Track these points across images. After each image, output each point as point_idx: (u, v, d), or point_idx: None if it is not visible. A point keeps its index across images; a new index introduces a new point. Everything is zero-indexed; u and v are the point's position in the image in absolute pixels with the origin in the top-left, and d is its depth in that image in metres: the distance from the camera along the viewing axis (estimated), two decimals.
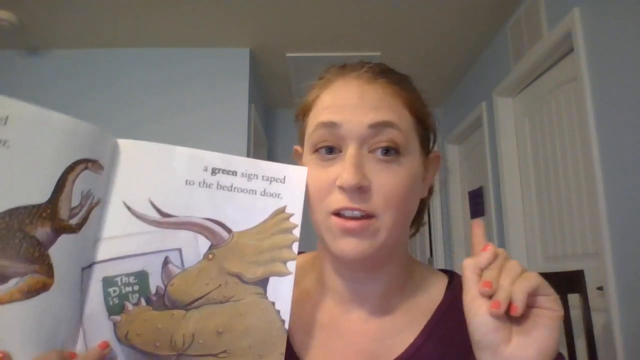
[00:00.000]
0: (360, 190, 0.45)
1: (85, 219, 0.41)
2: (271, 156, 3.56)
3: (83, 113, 2.52)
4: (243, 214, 0.46)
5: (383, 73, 0.51)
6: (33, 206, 0.39)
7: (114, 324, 0.42)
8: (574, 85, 1.85)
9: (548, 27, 1.97)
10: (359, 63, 0.52)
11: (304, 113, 0.54)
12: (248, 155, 2.60)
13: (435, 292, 0.54)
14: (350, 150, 0.47)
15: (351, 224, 0.46)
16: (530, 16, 2.11)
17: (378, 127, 0.47)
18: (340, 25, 2.46)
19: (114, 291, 0.42)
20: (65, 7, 2.25)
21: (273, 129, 3.67)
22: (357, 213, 0.46)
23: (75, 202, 0.40)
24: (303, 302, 0.55)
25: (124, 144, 0.45)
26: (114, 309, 0.42)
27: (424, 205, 0.58)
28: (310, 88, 0.55)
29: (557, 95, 2.04)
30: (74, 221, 0.40)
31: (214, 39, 2.62)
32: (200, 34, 2.56)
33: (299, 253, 0.62)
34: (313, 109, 0.52)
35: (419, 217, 0.58)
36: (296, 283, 0.56)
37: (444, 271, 0.58)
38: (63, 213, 0.40)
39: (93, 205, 0.42)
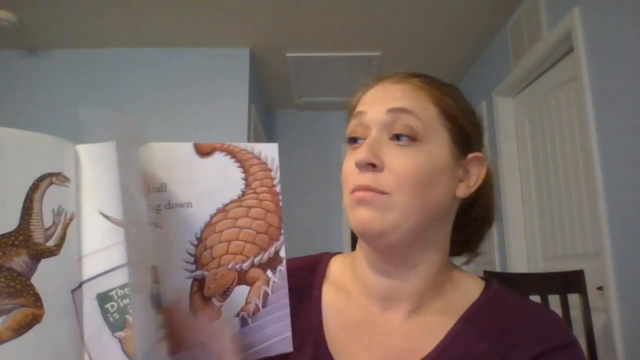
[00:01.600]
0: (372, 168, 0.49)
1: (62, 238, 0.38)
2: None
3: None
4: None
5: (415, 76, 0.55)
6: (2, 235, 0.35)
7: (120, 341, 0.39)
8: (574, 85, 1.85)
9: (548, 27, 1.97)
10: (404, 73, 0.57)
11: (349, 112, 0.58)
12: None
13: (471, 293, 0.55)
14: (370, 134, 0.51)
15: (362, 193, 0.49)
16: (530, 16, 2.11)
17: (395, 112, 0.51)
18: (340, 25, 2.46)
19: (112, 306, 0.39)
20: (65, 7, 2.25)
21: (273, 129, 3.67)
22: (368, 189, 0.49)
23: (48, 222, 0.37)
24: (339, 300, 0.57)
25: (82, 149, 0.40)
26: (116, 325, 0.39)
27: (481, 230, 0.60)
28: (359, 91, 0.59)
29: (557, 95, 2.04)
30: (51, 243, 0.37)
31: (214, 39, 2.62)
32: (200, 34, 2.56)
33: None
34: (356, 109, 0.57)
35: (474, 245, 0.61)
36: (334, 281, 0.60)
37: (482, 278, 0.59)
38: (37, 236, 0.36)
39: (68, 221, 0.38)
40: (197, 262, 0.42)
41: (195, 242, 0.43)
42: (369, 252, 0.55)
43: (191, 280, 0.42)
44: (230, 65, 2.69)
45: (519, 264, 2.27)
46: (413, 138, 0.50)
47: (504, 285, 0.56)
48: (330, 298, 0.58)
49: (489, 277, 0.61)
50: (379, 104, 0.53)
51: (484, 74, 2.70)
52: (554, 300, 1.36)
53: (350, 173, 0.51)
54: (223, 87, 2.67)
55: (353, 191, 0.50)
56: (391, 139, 0.51)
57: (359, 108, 0.55)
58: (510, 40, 2.34)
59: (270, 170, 0.47)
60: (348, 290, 0.58)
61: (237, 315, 0.43)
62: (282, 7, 2.29)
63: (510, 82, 2.32)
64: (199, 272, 0.42)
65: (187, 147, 0.44)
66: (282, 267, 0.46)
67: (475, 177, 0.55)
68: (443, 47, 2.66)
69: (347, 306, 0.56)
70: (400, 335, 0.52)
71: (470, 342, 0.50)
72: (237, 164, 0.46)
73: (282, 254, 0.46)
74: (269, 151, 0.47)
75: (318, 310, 0.56)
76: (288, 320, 0.46)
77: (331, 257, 0.64)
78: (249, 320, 0.44)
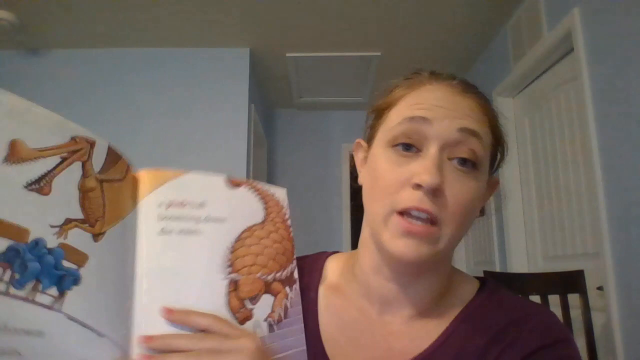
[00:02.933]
0: (435, 193, 0.45)
1: None
2: (271, 156, 3.56)
3: (83, 113, 2.52)
4: None
5: (472, 88, 0.52)
6: None
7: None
8: (574, 85, 1.85)
9: (548, 27, 1.97)
10: (449, 74, 0.53)
11: (385, 108, 0.53)
12: (248, 155, 2.61)
13: (466, 294, 0.54)
14: (432, 151, 0.46)
15: (417, 227, 0.45)
16: (530, 16, 2.11)
17: (466, 133, 0.47)
18: (340, 25, 2.46)
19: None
20: (65, 7, 2.25)
21: (273, 129, 3.67)
22: (423, 215, 0.45)
23: None
24: (335, 301, 0.56)
25: None
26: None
27: None
28: (393, 86, 0.54)
29: (557, 95, 2.04)
30: None
31: (214, 39, 2.62)
32: (200, 34, 2.56)
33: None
34: (398, 105, 0.51)
35: None
36: (331, 283, 0.59)
37: (478, 278, 0.59)
38: None
39: None
40: (232, 266, 0.48)
41: (230, 250, 0.49)
42: (378, 260, 0.52)
43: (227, 281, 0.47)
44: (230, 65, 2.69)
45: (519, 264, 2.27)
46: (475, 166, 0.47)
47: (500, 285, 0.56)
48: (327, 299, 0.57)
49: (486, 277, 0.60)
50: (447, 116, 0.47)
51: (484, 74, 2.70)
52: (554, 300, 1.36)
53: (398, 186, 0.47)
54: (223, 87, 2.67)
55: (400, 213, 0.46)
56: (450, 159, 0.47)
57: (415, 111, 0.48)
58: (510, 40, 2.34)
59: (282, 207, 0.55)
60: (345, 291, 0.57)
61: (266, 320, 0.48)
62: (282, 7, 2.29)
63: (511, 82, 2.32)
64: (234, 275, 0.48)
65: (222, 179, 0.52)
66: (297, 286, 0.52)
67: (487, 197, 0.54)
68: (443, 47, 2.66)
69: (344, 308, 0.55)
70: (397, 338, 0.52)
71: (465, 341, 0.49)
72: (259, 197, 0.54)
73: (295, 275, 0.53)
74: (280, 193, 0.56)
75: (314, 311, 0.56)
76: (303, 335, 0.51)
77: (328, 256, 0.63)
78: (275, 327, 0.48)
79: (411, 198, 0.45)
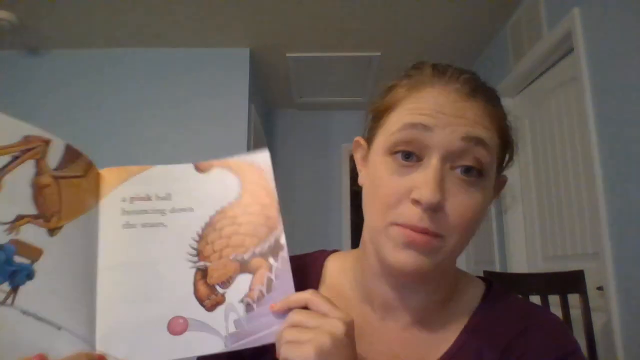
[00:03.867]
0: (435, 208, 0.43)
1: None
2: (271, 156, 3.56)
3: (83, 113, 2.52)
4: None
5: (479, 89, 0.48)
6: None
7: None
8: (574, 85, 1.85)
9: (548, 27, 1.97)
10: (454, 71, 0.49)
11: (384, 110, 0.50)
12: None
13: (472, 300, 0.53)
14: (434, 162, 0.44)
15: (417, 237, 0.43)
16: (530, 16, 2.11)
17: (471, 141, 0.44)
18: (340, 25, 2.46)
19: None
20: (65, 7, 2.25)
21: (273, 129, 3.67)
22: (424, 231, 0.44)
23: None
24: (337, 304, 0.55)
25: None
26: None
27: None
28: (393, 85, 0.51)
29: (557, 95, 2.04)
30: None
31: (214, 39, 2.62)
32: (200, 34, 2.56)
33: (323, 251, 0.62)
34: (399, 108, 0.48)
35: None
36: (331, 284, 0.56)
37: (483, 278, 0.57)
38: None
39: None
40: (200, 254, 0.48)
41: (197, 239, 0.48)
42: (377, 267, 0.51)
43: (194, 270, 0.47)
44: (230, 65, 2.69)
45: (519, 264, 2.27)
46: (480, 175, 0.45)
47: (504, 287, 0.56)
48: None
49: (490, 277, 0.59)
50: (450, 124, 0.44)
51: (484, 74, 2.64)
52: (554, 300, 1.36)
53: (398, 199, 0.45)
54: (223, 87, 2.67)
55: (399, 226, 0.44)
56: (453, 168, 0.44)
57: (419, 118, 0.45)
58: (510, 40, 2.34)
59: (263, 170, 0.53)
60: (346, 295, 0.55)
61: (242, 301, 0.47)
62: (282, 7, 2.29)
63: (511, 82, 2.32)
64: (201, 263, 0.48)
65: (188, 167, 0.52)
66: (284, 254, 0.49)
67: (494, 197, 0.51)
68: (443, 47, 2.66)
69: (346, 310, 0.54)
70: (401, 344, 0.51)
71: (478, 353, 0.48)
72: (233, 173, 0.52)
73: (282, 241, 0.50)
74: (260, 157, 0.53)
75: None
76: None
77: (327, 255, 0.60)
78: (254, 305, 0.47)
79: (410, 215, 0.44)
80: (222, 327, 0.45)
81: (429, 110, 0.45)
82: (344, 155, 3.60)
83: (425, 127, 0.44)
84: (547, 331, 0.49)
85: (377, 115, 0.51)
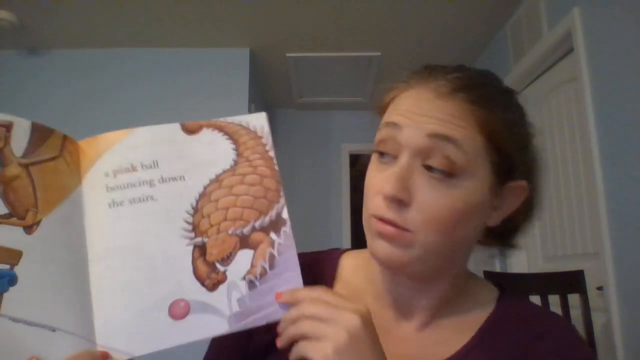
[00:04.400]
0: (398, 202, 0.44)
1: None
2: None
3: (83, 113, 2.52)
4: None
5: (464, 88, 0.47)
6: None
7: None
8: (574, 85, 1.85)
9: (548, 27, 1.97)
10: (443, 70, 0.49)
11: (381, 110, 0.53)
12: None
13: (486, 303, 0.54)
14: (401, 160, 0.46)
15: (384, 228, 0.45)
16: (530, 16, 2.11)
17: (436, 138, 0.44)
18: (340, 25, 2.46)
19: None
20: (65, 7, 2.25)
21: (273, 129, 3.63)
22: (390, 224, 0.45)
23: None
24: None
25: None
26: None
27: (514, 228, 0.55)
28: (392, 87, 0.52)
29: (557, 95, 2.04)
30: None
31: (214, 39, 2.62)
32: (200, 34, 2.56)
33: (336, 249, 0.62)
34: (389, 109, 0.51)
35: (508, 237, 0.56)
36: (346, 282, 0.56)
37: (496, 283, 0.58)
38: None
39: None
40: (196, 229, 0.44)
41: (192, 212, 0.44)
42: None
43: (192, 247, 0.43)
44: (230, 65, 2.69)
45: (518, 264, 2.27)
46: (450, 173, 0.44)
47: (518, 293, 0.56)
48: None
49: (500, 281, 0.59)
50: (417, 122, 0.45)
51: None
52: (554, 300, 1.36)
53: (374, 193, 0.47)
54: (223, 87, 2.67)
55: (375, 218, 0.46)
56: (425, 166, 0.45)
57: (392, 116, 0.48)
58: (510, 40, 2.33)
59: (261, 137, 0.48)
60: (361, 293, 0.55)
61: (244, 278, 0.44)
62: (282, 7, 2.29)
63: (510, 82, 2.32)
64: (198, 239, 0.44)
65: (174, 127, 0.46)
66: (287, 229, 0.46)
67: (510, 206, 0.50)
68: (443, 47, 2.66)
69: None
70: (413, 345, 0.51)
71: (490, 355, 0.48)
72: (226, 136, 0.47)
73: (285, 215, 0.46)
74: (257, 121, 0.49)
75: None
76: (300, 280, 0.45)
77: (342, 253, 0.60)
78: (257, 282, 0.44)
79: (378, 206, 0.46)
80: (226, 306, 0.42)
81: (402, 111, 0.47)
82: (343, 155, 3.60)
83: (395, 126, 0.47)
84: (563, 338, 0.49)
85: (380, 114, 0.54)
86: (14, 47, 2.59)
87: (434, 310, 0.52)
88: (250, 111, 2.69)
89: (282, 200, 0.47)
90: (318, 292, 0.43)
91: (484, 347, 0.49)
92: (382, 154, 0.48)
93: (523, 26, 2.18)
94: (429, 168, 0.45)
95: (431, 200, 0.44)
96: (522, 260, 2.28)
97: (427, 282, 0.51)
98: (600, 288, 1.59)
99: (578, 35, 1.71)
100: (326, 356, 0.38)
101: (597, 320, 1.54)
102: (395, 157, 0.47)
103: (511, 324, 0.51)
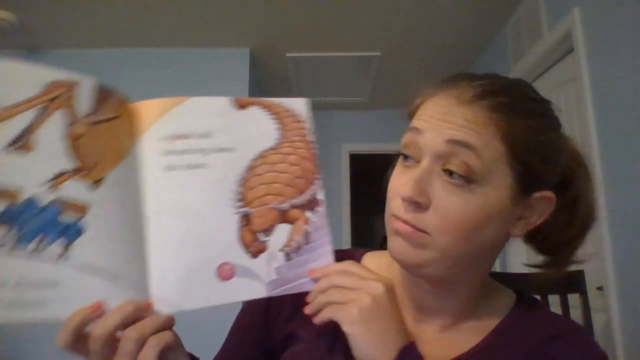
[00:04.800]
0: (416, 205, 0.46)
1: None
2: None
3: None
4: None
5: (487, 95, 0.47)
6: None
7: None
8: (574, 85, 1.85)
9: (548, 27, 1.97)
10: (470, 77, 0.50)
11: (410, 116, 0.54)
12: None
13: (504, 307, 0.54)
14: (422, 163, 0.47)
15: (401, 226, 0.47)
16: (530, 16, 2.11)
17: (455, 145, 0.45)
18: (340, 25, 2.46)
19: None
20: (65, 7, 2.25)
21: None
22: (408, 225, 0.47)
23: None
24: None
25: None
26: None
27: (568, 246, 0.55)
28: (420, 93, 0.54)
29: (557, 95, 2.04)
30: None
31: (214, 39, 2.62)
32: (200, 34, 2.56)
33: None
34: (415, 114, 0.52)
35: (563, 252, 0.56)
36: None
37: (514, 290, 0.58)
38: None
39: None
40: (243, 200, 0.47)
41: (240, 182, 0.47)
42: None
43: (239, 215, 0.47)
44: (230, 65, 2.69)
45: (519, 264, 2.27)
46: (469, 179, 0.44)
47: (536, 299, 0.57)
48: None
49: (521, 288, 0.59)
50: (437, 128, 0.46)
51: None
52: (554, 300, 1.36)
53: (395, 194, 0.48)
54: (223, 87, 2.66)
55: (393, 217, 0.48)
56: (445, 170, 0.46)
57: (416, 122, 0.49)
58: (510, 40, 2.33)
59: (303, 121, 0.52)
60: None
61: (281, 250, 0.47)
62: (282, 7, 2.29)
63: None
64: (244, 209, 0.47)
65: (227, 100, 0.49)
66: (321, 209, 0.50)
67: (538, 217, 0.49)
68: (443, 47, 2.66)
69: None
70: (431, 346, 0.51)
71: (503, 354, 0.49)
72: (272, 116, 0.50)
73: (320, 196, 0.50)
74: (300, 105, 0.52)
75: None
76: (331, 257, 0.49)
77: (363, 253, 0.62)
78: (293, 255, 0.48)
79: (397, 207, 0.48)
80: (265, 273, 0.46)
81: (425, 116, 0.49)
82: (343, 155, 3.60)
83: (417, 131, 0.48)
84: (579, 340, 0.50)
85: (408, 120, 0.55)
86: (14, 47, 2.59)
87: (455, 313, 0.53)
88: None
89: (319, 183, 0.51)
90: (346, 265, 0.47)
91: (498, 346, 0.50)
92: (405, 157, 0.49)
93: (523, 26, 2.18)
94: (448, 172, 0.45)
95: (448, 204, 0.45)
96: (522, 260, 2.28)
97: (447, 286, 0.51)
98: (600, 288, 1.59)
99: (578, 35, 1.71)
100: (351, 316, 0.42)
101: (597, 320, 1.54)
102: (418, 161, 0.48)
103: (526, 325, 0.51)
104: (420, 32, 2.51)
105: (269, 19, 2.41)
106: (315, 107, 3.60)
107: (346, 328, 0.42)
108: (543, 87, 2.16)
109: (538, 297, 1.36)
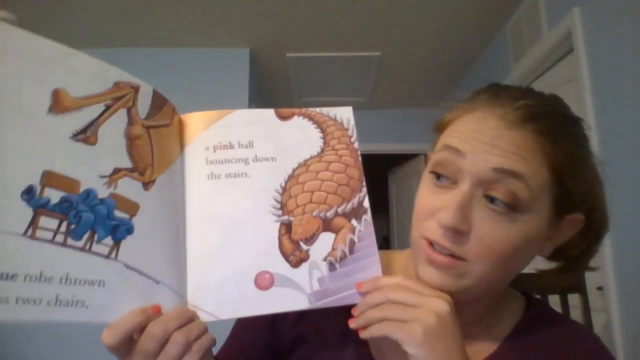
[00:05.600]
0: (456, 232, 0.43)
1: None
2: None
3: None
4: None
5: (534, 118, 0.44)
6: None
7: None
8: (574, 85, 1.85)
9: (548, 27, 1.97)
10: (511, 94, 0.47)
11: (440, 127, 0.51)
12: None
13: (515, 313, 0.54)
14: (463, 187, 0.43)
15: (438, 257, 0.44)
16: (530, 16, 2.11)
17: (502, 173, 0.42)
18: (340, 25, 2.46)
19: None
20: (64, 7, 2.25)
21: None
22: (446, 250, 0.44)
23: None
24: None
25: None
26: None
27: (584, 255, 0.53)
28: (454, 106, 0.50)
29: (557, 95, 2.03)
30: None
31: (214, 39, 2.62)
32: (200, 34, 2.56)
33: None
34: (448, 128, 0.49)
35: (576, 259, 0.53)
36: None
37: (524, 294, 0.58)
38: None
39: None
40: (283, 208, 0.47)
41: (281, 191, 0.47)
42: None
43: (279, 224, 0.46)
44: (230, 65, 2.69)
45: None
46: (513, 207, 0.42)
47: (544, 302, 0.57)
48: None
49: (523, 289, 0.59)
50: (482, 151, 0.43)
51: (484, 74, 2.69)
52: (554, 300, 1.35)
53: (427, 215, 0.45)
54: (223, 87, 2.67)
55: (426, 241, 0.45)
56: (485, 196, 0.43)
57: (453, 140, 0.45)
58: (510, 40, 2.33)
59: (347, 129, 0.52)
60: None
61: (325, 259, 0.46)
62: (282, 7, 2.29)
63: (510, 82, 2.32)
64: (285, 217, 0.47)
65: (270, 112, 0.51)
66: (367, 217, 0.49)
67: (563, 238, 0.48)
68: (443, 47, 2.66)
69: None
70: None
71: None
72: (315, 125, 0.52)
73: (366, 204, 0.49)
74: (344, 113, 0.54)
75: None
76: (378, 266, 0.47)
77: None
78: (337, 265, 0.46)
79: (435, 231, 0.44)
80: (307, 284, 0.45)
81: (465, 135, 0.45)
82: None
83: (458, 152, 0.45)
84: (591, 350, 0.50)
85: (436, 132, 0.52)
86: None
87: (469, 322, 0.52)
88: None
89: (364, 190, 0.49)
90: (400, 278, 0.44)
91: (512, 354, 0.49)
92: (438, 176, 0.46)
93: (523, 26, 2.18)
94: (490, 199, 0.43)
95: (491, 233, 0.43)
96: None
97: (466, 302, 0.50)
98: (600, 288, 1.59)
99: (578, 35, 1.71)
100: (415, 337, 0.39)
101: (597, 320, 1.53)
102: (454, 182, 0.45)
103: (538, 332, 0.51)
104: (420, 32, 2.51)
105: (269, 19, 2.41)
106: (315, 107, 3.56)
107: (410, 349, 0.39)
108: (543, 87, 2.15)
109: (538, 297, 1.36)
